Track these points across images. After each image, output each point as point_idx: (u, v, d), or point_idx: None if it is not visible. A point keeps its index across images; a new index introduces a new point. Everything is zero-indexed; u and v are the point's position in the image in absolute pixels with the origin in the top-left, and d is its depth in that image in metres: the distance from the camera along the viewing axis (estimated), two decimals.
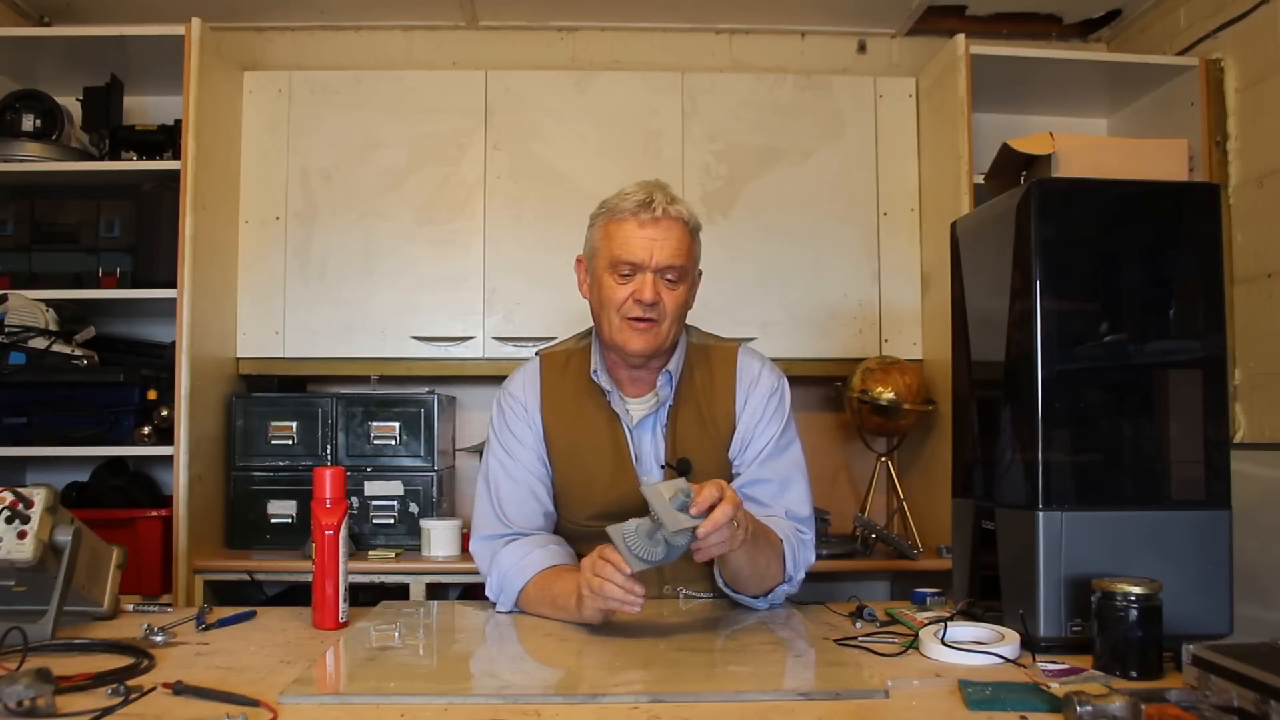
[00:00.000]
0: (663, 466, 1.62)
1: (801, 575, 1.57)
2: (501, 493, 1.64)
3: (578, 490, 1.64)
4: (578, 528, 1.65)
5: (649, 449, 1.63)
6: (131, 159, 2.74)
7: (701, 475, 1.50)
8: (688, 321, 1.74)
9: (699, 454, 1.60)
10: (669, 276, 1.56)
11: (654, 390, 1.65)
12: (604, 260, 1.59)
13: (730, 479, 1.62)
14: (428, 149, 2.91)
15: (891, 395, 2.74)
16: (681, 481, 1.33)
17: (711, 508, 1.30)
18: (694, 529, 1.29)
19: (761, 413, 1.63)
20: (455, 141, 2.91)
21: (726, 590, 1.56)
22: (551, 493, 1.66)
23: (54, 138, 2.72)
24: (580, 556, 1.60)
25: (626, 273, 1.56)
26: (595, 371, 1.64)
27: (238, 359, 2.88)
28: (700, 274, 1.67)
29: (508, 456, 1.65)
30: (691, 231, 1.60)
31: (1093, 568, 1.30)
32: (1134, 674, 1.19)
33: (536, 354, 1.74)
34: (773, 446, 1.62)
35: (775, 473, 1.61)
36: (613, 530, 1.35)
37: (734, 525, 1.32)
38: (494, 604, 1.59)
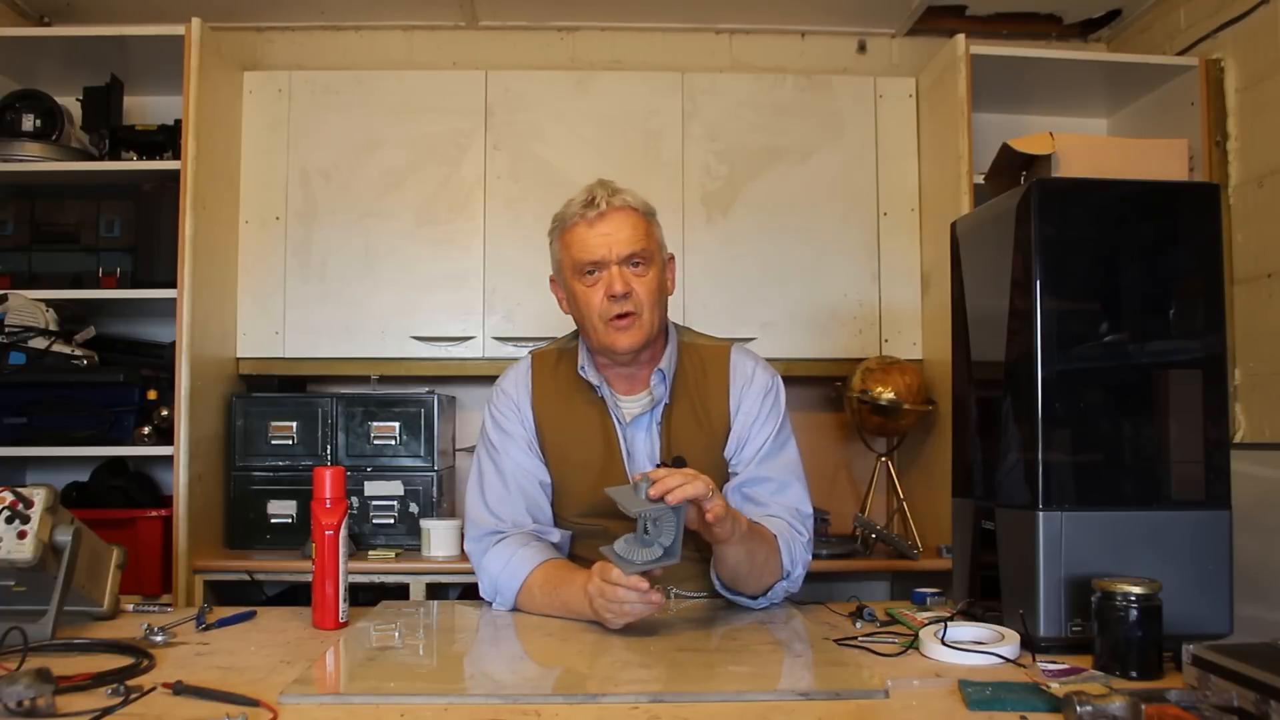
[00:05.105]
0: (657, 466, 1.62)
1: (800, 572, 1.57)
2: (487, 489, 1.64)
3: (569, 486, 1.65)
4: (570, 526, 1.65)
5: (643, 447, 1.63)
6: (131, 159, 2.74)
7: None
8: (680, 323, 1.74)
9: (694, 453, 1.60)
10: (634, 264, 1.57)
11: (648, 389, 1.65)
12: (569, 269, 1.60)
13: (726, 479, 1.62)
14: (428, 149, 2.91)
15: (891, 395, 2.74)
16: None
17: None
18: (661, 501, 1.31)
19: (757, 412, 1.63)
20: (455, 141, 2.91)
21: (724, 593, 1.56)
22: (545, 488, 1.66)
23: (54, 138, 2.72)
24: (573, 556, 1.61)
25: (592, 272, 1.57)
26: (583, 368, 1.64)
27: (238, 359, 2.88)
28: (672, 256, 1.67)
29: (497, 451, 1.66)
30: (645, 215, 1.60)
31: (1093, 568, 1.30)
32: (1134, 674, 1.19)
33: (529, 353, 1.75)
34: (770, 445, 1.62)
35: (773, 471, 1.61)
36: (605, 550, 1.37)
37: (697, 481, 1.33)
38: (490, 603, 1.60)
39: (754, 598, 1.55)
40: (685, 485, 1.32)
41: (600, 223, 1.56)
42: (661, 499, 1.31)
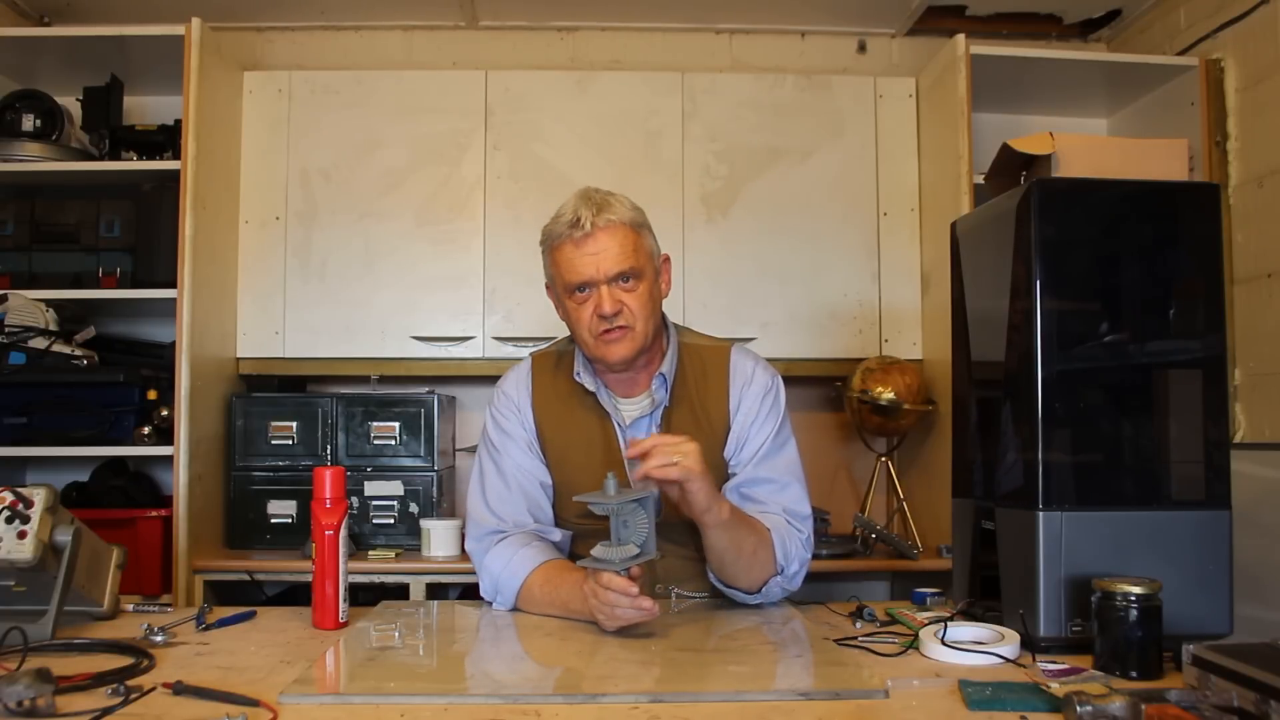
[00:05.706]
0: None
1: (796, 570, 1.56)
2: (489, 489, 1.65)
3: (569, 488, 1.64)
4: (572, 526, 1.66)
5: None
6: (131, 159, 2.74)
7: None
8: (680, 324, 1.74)
9: None
10: (624, 280, 1.56)
11: (648, 391, 1.65)
12: (560, 286, 1.60)
13: (726, 479, 1.62)
14: (428, 149, 2.91)
15: (891, 395, 2.74)
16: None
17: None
18: (632, 499, 1.36)
19: (756, 412, 1.63)
20: (455, 141, 2.91)
21: (719, 585, 1.56)
22: (546, 489, 1.67)
23: (54, 138, 2.72)
24: (573, 556, 1.62)
25: (582, 289, 1.57)
26: (578, 374, 1.65)
27: (238, 359, 2.88)
28: (667, 258, 1.66)
29: (498, 452, 1.66)
30: (634, 228, 1.57)
31: (1093, 568, 1.30)
32: (1134, 674, 1.19)
33: (529, 355, 1.75)
34: (769, 445, 1.62)
35: (773, 471, 1.61)
36: (584, 562, 1.39)
37: (665, 448, 1.38)
38: (490, 603, 1.60)
39: (749, 593, 1.55)
40: (665, 464, 1.36)
41: (587, 243, 1.54)
42: (628, 495, 1.36)
